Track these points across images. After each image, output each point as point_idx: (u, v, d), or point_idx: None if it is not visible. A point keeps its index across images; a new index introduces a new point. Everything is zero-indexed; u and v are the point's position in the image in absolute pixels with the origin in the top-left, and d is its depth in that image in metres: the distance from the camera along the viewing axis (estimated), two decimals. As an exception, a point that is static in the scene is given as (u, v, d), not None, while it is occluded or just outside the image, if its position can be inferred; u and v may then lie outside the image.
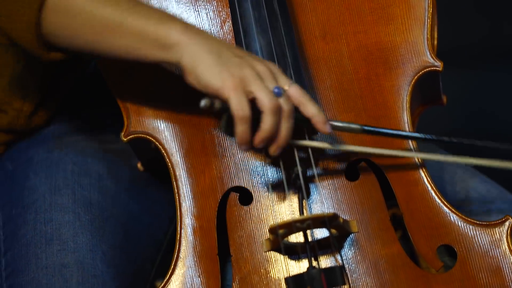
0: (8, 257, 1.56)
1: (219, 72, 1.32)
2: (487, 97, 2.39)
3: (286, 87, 1.34)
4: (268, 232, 1.37)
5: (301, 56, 1.47)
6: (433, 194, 1.42)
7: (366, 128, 1.39)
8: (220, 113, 1.33)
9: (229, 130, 1.33)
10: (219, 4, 1.51)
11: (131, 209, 1.64)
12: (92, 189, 1.61)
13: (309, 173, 1.42)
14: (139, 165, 1.67)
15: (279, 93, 1.33)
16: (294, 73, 1.43)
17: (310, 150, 1.41)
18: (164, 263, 1.68)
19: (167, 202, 1.69)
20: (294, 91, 1.34)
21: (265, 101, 1.31)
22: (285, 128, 1.33)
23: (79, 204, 1.57)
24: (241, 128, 1.32)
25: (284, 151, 1.36)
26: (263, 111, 1.32)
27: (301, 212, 1.39)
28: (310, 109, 1.35)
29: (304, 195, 1.38)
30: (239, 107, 1.30)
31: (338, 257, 1.37)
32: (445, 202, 1.41)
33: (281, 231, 1.34)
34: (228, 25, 1.50)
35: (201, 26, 1.51)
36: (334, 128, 1.37)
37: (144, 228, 1.65)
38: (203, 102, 1.29)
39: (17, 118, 1.66)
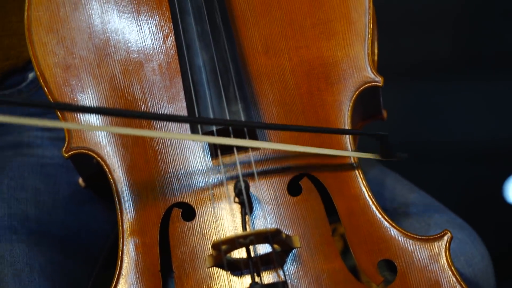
0: None
1: None
2: (427, 110, 2.43)
3: None
4: (211, 248, 1.37)
5: (243, 71, 1.47)
6: (374, 209, 1.43)
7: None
8: None
9: None
10: (162, 18, 1.51)
11: (68, 224, 1.62)
12: (28, 204, 1.59)
13: (251, 188, 1.42)
14: (80, 181, 1.66)
15: None
16: (237, 89, 1.43)
17: (253, 165, 1.41)
18: (100, 280, 1.67)
19: (105, 218, 1.68)
20: None
21: None
22: None
23: (15, 218, 1.56)
24: None
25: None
26: None
27: (244, 227, 1.39)
28: None
29: (247, 210, 1.38)
30: None
31: (281, 273, 1.38)
32: (386, 217, 1.43)
33: (224, 247, 1.34)
34: (171, 39, 1.50)
35: (143, 41, 1.50)
36: None
37: (81, 244, 1.64)
38: None
39: None
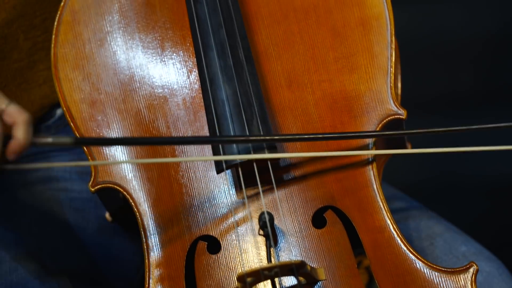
0: None
1: None
2: (451, 142, 2.43)
3: (2, 106, 1.34)
4: (236, 281, 1.38)
5: (267, 104, 1.48)
6: (399, 241, 1.43)
7: (79, 140, 1.41)
8: None
9: None
10: (185, 54, 1.53)
11: (98, 258, 1.63)
12: (57, 238, 1.60)
13: (276, 220, 1.42)
14: (107, 215, 1.67)
15: None
16: (261, 122, 1.44)
17: (278, 198, 1.42)
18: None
19: (134, 250, 1.69)
20: (11, 109, 1.34)
21: None
22: None
23: (44, 253, 1.57)
24: None
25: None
26: None
27: (269, 260, 1.39)
28: (18, 131, 1.33)
29: (271, 243, 1.39)
30: None
31: None
32: (411, 249, 1.43)
33: (249, 279, 1.34)
34: (195, 74, 1.52)
35: (167, 76, 1.52)
36: (43, 144, 1.35)
37: (111, 277, 1.65)
38: None
39: None
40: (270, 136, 1.43)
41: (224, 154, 1.43)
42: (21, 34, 1.67)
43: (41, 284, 1.53)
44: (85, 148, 1.49)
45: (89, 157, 1.49)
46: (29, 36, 1.67)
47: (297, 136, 1.45)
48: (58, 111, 1.75)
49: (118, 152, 1.50)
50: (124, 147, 1.49)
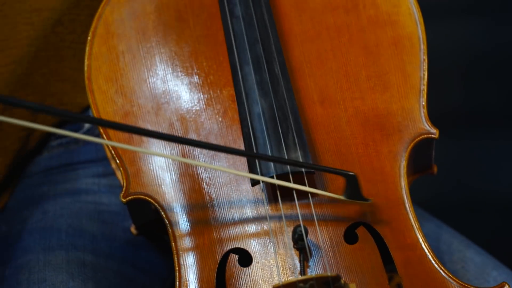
0: None
1: None
2: (474, 166, 2.44)
3: None
4: (269, 293, 1.38)
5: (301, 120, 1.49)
6: (431, 258, 1.44)
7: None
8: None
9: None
10: (219, 68, 1.54)
11: (124, 271, 1.63)
12: (86, 251, 1.60)
13: (309, 234, 1.43)
14: (132, 228, 1.67)
15: None
16: (297, 136, 1.45)
17: (313, 212, 1.42)
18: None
19: (160, 263, 1.69)
20: None
21: None
22: None
23: (72, 265, 1.57)
24: None
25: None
26: None
27: (303, 273, 1.39)
28: None
29: (308, 256, 1.39)
30: None
31: None
32: (443, 268, 1.43)
33: (283, 292, 1.34)
34: (228, 89, 1.53)
35: (201, 89, 1.53)
36: None
37: None
38: None
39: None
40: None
41: (261, 168, 1.43)
42: (49, 26, 1.68)
43: None
44: (112, 151, 1.49)
45: (124, 174, 1.49)
46: (56, 31, 1.69)
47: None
48: (87, 124, 1.76)
49: (155, 161, 1.50)
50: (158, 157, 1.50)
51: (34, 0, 1.67)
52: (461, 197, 2.37)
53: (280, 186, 1.43)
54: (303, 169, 1.43)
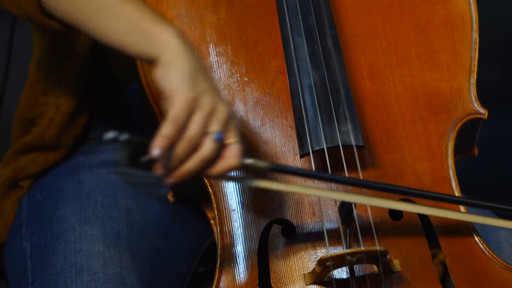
0: (36, 286, 1.54)
1: (184, 80, 1.31)
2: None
3: (230, 140, 1.32)
4: (314, 264, 1.37)
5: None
6: (476, 239, 1.43)
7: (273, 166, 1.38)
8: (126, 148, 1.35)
9: (135, 163, 1.31)
10: (269, 39, 1.53)
11: (158, 244, 1.63)
12: (121, 223, 1.60)
13: (356, 210, 1.42)
14: (169, 196, 1.67)
15: (218, 138, 1.30)
16: (348, 110, 1.45)
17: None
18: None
19: (193, 238, 1.69)
20: (233, 149, 1.32)
21: (192, 130, 1.29)
22: (188, 165, 1.30)
23: (108, 236, 1.56)
24: (165, 129, 1.28)
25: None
26: (182, 137, 1.29)
27: (349, 246, 1.39)
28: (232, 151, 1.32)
29: (358, 229, 1.38)
30: (176, 113, 1.29)
31: None
32: (487, 249, 1.43)
33: (329, 263, 1.34)
34: (278, 59, 1.51)
35: (249, 59, 1.52)
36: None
37: (169, 263, 1.64)
38: (108, 135, 1.28)
39: (48, 128, 1.65)
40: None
41: (311, 139, 1.43)
42: None
43: (104, 267, 1.52)
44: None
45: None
46: None
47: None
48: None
49: None
50: None
51: None
52: (497, 179, 2.36)
53: (330, 157, 1.42)
54: (352, 142, 1.42)
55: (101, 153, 1.70)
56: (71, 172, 1.67)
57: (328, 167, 1.42)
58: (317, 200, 1.44)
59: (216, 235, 1.46)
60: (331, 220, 1.43)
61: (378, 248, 1.33)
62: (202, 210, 1.62)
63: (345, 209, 1.38)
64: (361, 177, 1.43)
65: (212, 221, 1.55)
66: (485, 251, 1.42)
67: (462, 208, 1.45)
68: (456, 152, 1.60)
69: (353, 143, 1.42)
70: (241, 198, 1.46)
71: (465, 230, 1.44)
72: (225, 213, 1.46)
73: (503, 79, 2.51)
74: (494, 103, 2.37)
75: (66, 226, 1.58)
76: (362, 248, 1.35)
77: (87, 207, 1.60)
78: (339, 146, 1.42)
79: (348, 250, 1.33)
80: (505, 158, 2.43)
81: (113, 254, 1.54)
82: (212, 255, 1.50)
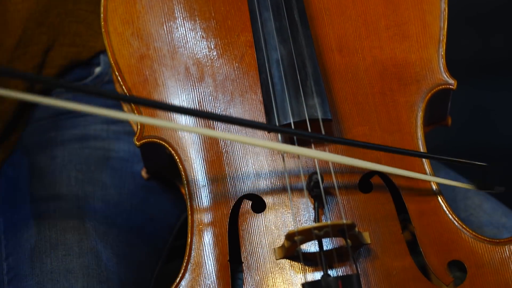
0: (10, 261, 1.54)
1: None
2: (489, 117, 2.42)
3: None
4: (284, 238, 1.38)
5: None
6: (445, 209, 1.44)
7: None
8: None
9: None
10: (237, 13, 1.52)
11: (133, 217, 1.63)
12: (96, 197, 1.60)
13: (324, 182, 1.42)
14: (143, 172, 1.67)
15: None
16: (314, 84, 1.44)
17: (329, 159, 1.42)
18: (164, 272, 1.68)
19: (169, 210, 1.69)
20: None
21: None
22: None
23: (83, 211, 1.57)
24: None
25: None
26: None
27: (317, 220, 1.39)
28: None
29: (323, 203, 1.39)
30: None
31: (354, 266, 1.38)
32: (457, 219, 1.43)
33: (297, 238, 1.34)
34: (246, 34, 1.51)
35: (218, 34, 1.51)
36: None
37: (145, 237, 1.64)
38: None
39: None
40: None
41: (278, 115, 1.42)
42: None
43: (80, 241, 1.53)
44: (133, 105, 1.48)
45: (135, 112, 1.49)
46: None
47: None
48: (97, 70, 1.74)
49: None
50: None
51: None
52: (474, 148, 2.36)
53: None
54: (319, 116, 1.42)
55: (73, 127, 1.70)
56: (43, 147, 1.67)
57: (295, 141, 1.42)
58: (286, 174, 1.44)
59: (187, 211, 1.46)
60: (299, 194, 1.43)
61: (344, 221, 1.34)
62: (176, 186, 1.62)
63: (313, 182, 1.38)
64: (327, 151, 1.43)
65: (184, 197, 1.55)
66: (454, 221, 1.43)
67: (428, 170, 1.45)
68: (429, 122, 1.60)
69: (320, 116, 1.42)
70: (211, 174, 1.46)
71: (434, 200, 1.44)
72: (195, 189, 1.46)
73: (481, 48, 2.50)
74: (470, 72, 2.38)
75: (40, 202, 1.58)
76: (329, 222, 1.35)
77: (61, 182, 1.60)
78: (306, 120, 1.42)
79: (315, 224, 1.33)
80: (480, 128, 2.42)
81: (88, 228, 1.54)
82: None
